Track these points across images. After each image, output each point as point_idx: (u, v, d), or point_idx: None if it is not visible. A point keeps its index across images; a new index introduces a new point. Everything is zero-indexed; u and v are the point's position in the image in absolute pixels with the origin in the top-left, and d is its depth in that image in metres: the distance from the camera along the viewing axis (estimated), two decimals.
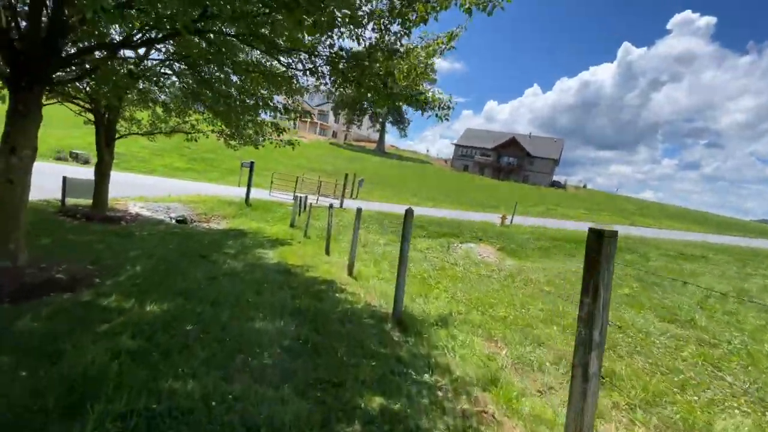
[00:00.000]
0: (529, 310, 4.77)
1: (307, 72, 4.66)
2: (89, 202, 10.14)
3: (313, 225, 12.64)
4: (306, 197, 15.43)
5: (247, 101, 6.49)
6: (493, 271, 7.71)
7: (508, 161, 61.85)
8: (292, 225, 12.73)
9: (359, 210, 6.72)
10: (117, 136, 9.40)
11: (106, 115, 8.91)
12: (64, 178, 9.69)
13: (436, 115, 4.75)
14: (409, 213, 3.99)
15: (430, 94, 4.38)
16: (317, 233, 11.88)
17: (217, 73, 5.82)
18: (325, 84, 4.89)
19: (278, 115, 6.53)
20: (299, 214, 14.21)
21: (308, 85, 6.45)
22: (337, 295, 4.98)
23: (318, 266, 6.87)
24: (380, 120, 56.10)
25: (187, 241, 8.02)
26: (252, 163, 14.93)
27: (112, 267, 5.06)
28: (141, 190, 14.97)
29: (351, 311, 4.25)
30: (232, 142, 10.67)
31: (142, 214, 11.48)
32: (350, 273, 6.50)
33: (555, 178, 63.29)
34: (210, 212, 13.82)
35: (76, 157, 25.55)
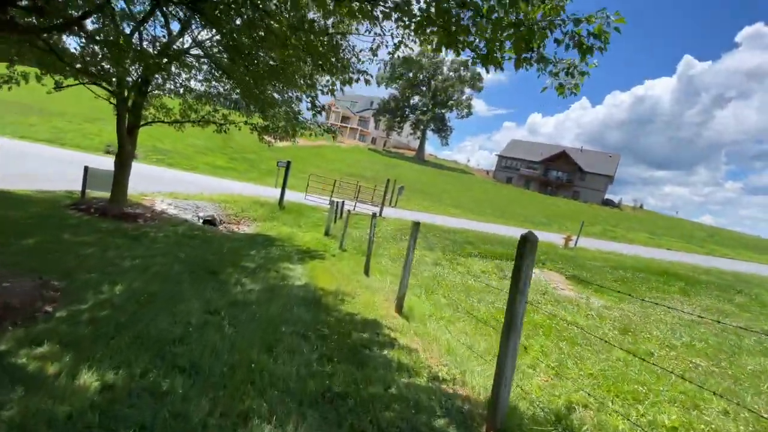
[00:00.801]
0: (710, 413, 2.88)
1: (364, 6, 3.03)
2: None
3: (350, 234, 11.14)
4: (343, 203, 14.03)
5: (272, 63, 5.09)
6: (587, 316, 5.76)
7: (557, 175, 57.99)
8: (326, 233, 11.32)
9: (416, 225, 5.07)
10: (142, 123, 8.40)
11: (131, 100, 7.91)
12: (86, 168, 8.83)
13: (560, 84, 2.98)
14: (529, 242, 2.27)
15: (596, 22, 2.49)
16: (354, 245, 10.36)
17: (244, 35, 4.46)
18: (404, 22, 3.12)
19: (317, 92, 5.08)
20: (335, 221, 12.81)
21: (360, 50, 4.97)
22: (386, 353, 3.33)
23: (357, 294, 5.28)
24: (422, 127, 54.47)
25: (203, 248, 6.74)
26: (288, 162, 13.78)
27: (85, 285, 3.72)
28: (176, 186, 14.23)
29: (414, 397, 2.58)
30: (266, 137, 9.46)
31: (167, 211, 10.49)
32: (399, 310, 4.84)
33: (607, 196, 58.66)
34: (241, 213, 12.73)
35: None
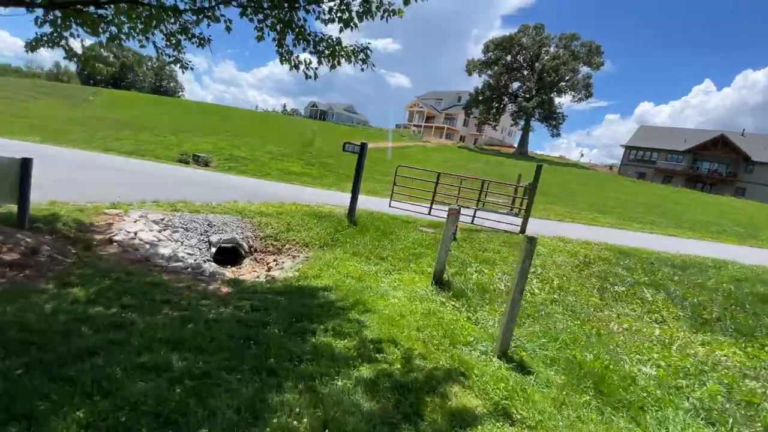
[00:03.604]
0: None
1: None
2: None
3: (494, 286, 4.86)
4: (459, 211, 7.76)
5: None
6: None
7: (713, 168, 44.02)
8: (438, 281, 5.20)
9: None
10: None
11: None
12: None
13: None
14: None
15: None
16: (539, 343, 4.00)
17: None
18: None
19: None
20: (450, 249, 6.68)
21: None
22: None
23: None
24: (525, 115, 45.48)
25: None
26: (362, 146, 8.11)
27: None
28: (226, 192, 9.67)
29: None
30: None
31: (137, 238, 5.49)
32: None
33: None
34: (285, 234, 7.36)
35: (197, 160, 23.79)
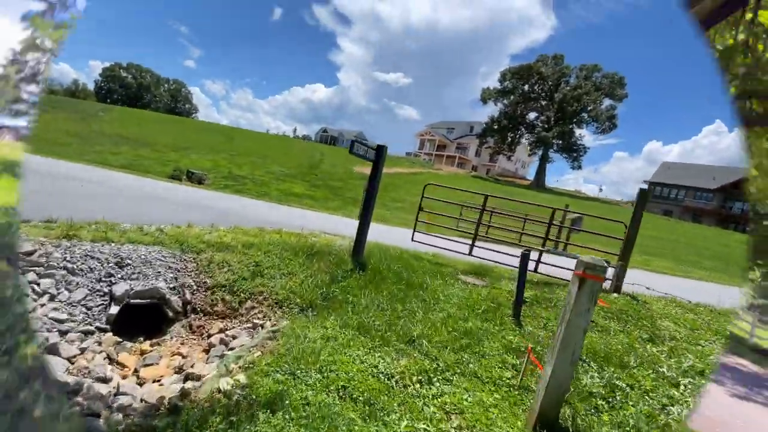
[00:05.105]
0: None
1: None
2: None
3: None
4: (528, 256, 4.84)
5: None
6: None
7: (747, 207, 40.86)
8: (550, 429, 2.30)
9: None
10: None
11: None
12: None
13: None
14: None
15: None
16: None
17: None
18: None
19: None
20: (580, 356, 3.83)
21: None
22: None
23: None
24: (543, 146, 43.15)
25: None
26: (379, 149, 5.32)
27: None
28: (167, 212, 7.01)
29: None
30: None
31: None
32: None
33: None
34: (248, 282, 4.51)
35: (190, 176, 21.43)
